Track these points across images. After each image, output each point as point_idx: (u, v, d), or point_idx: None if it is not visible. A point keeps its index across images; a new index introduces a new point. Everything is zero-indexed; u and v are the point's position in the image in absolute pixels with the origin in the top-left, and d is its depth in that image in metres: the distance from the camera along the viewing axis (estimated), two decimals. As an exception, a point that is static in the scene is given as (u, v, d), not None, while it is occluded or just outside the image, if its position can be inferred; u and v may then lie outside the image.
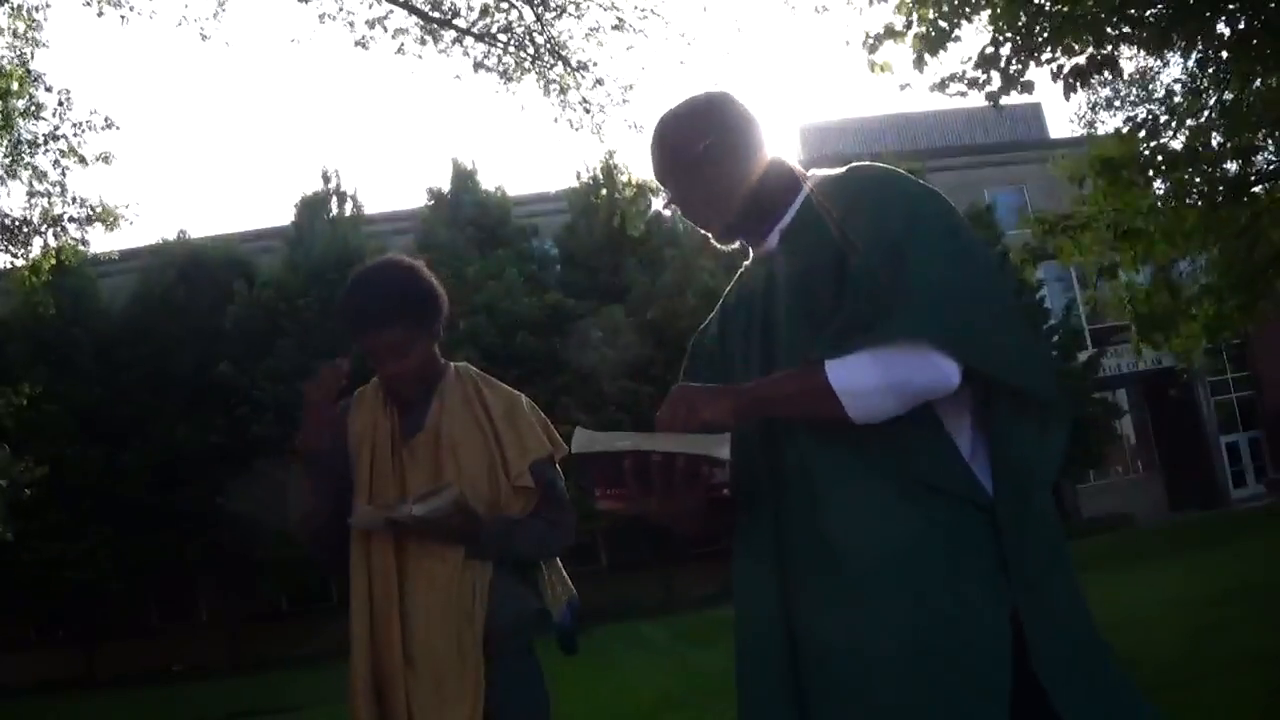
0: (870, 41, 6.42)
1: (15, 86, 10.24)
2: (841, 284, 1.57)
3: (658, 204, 1.73)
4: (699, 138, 1.73)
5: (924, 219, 1.58)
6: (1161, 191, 8.87)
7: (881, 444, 1.55)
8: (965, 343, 1.52)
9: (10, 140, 10.49)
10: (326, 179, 26.85)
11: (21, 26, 10.07)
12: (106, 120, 10.79)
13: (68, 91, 10.97)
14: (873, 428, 1.54)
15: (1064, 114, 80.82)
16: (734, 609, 1.72)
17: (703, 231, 1.81)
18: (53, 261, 11.20)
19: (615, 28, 9.73)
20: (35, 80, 10.47)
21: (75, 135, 10.68)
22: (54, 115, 10.73)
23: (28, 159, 10.62)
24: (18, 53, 10.26)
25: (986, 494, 1.55)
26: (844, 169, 1.73)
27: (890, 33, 6.41)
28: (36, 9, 10.19)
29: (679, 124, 1.77)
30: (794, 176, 1.77)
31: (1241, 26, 7.02)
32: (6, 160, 10.64)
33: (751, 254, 1.83)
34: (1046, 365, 1.71)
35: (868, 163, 1.74)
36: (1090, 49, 6.71)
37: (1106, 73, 6.68)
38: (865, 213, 1.59)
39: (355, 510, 2.41)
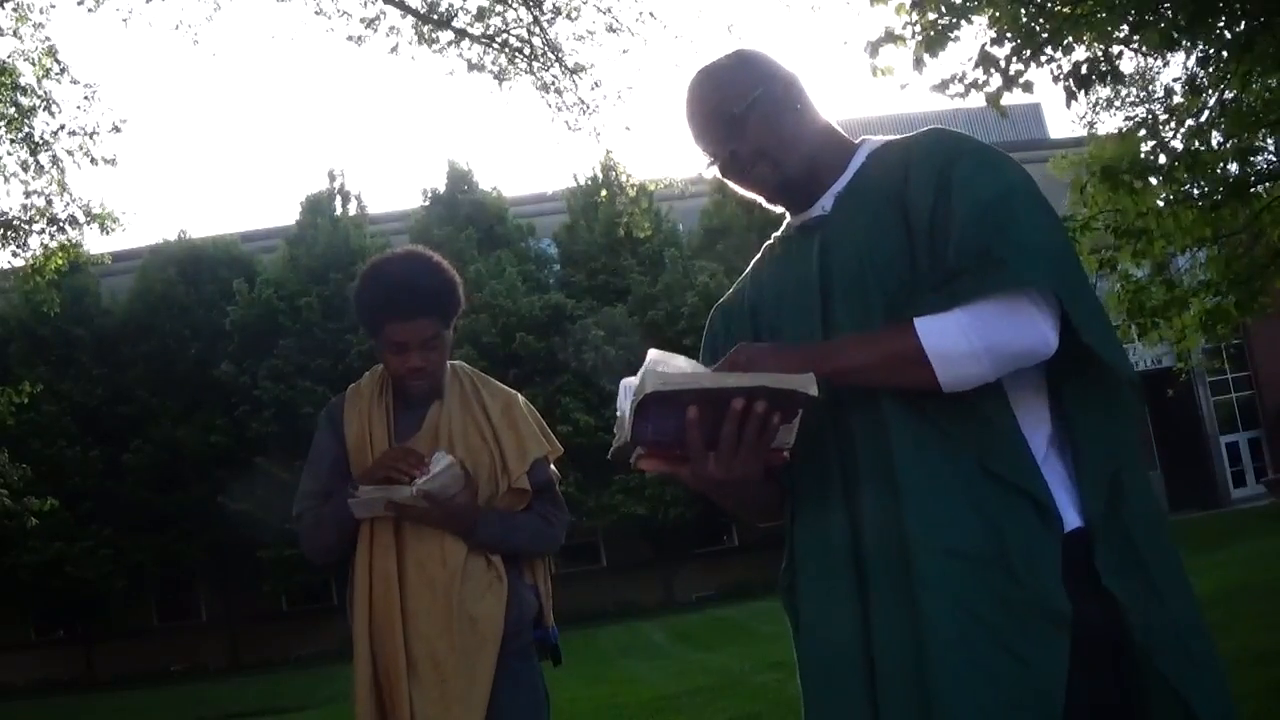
0: (871, 46, 6.43)
1: (34, 82, 10.16)
2: (913, 243, 1.50)
3: (706, 170, 1.56)
4: (748, 88, 1.61)
5: (1023, 180, 1.53)
6: (1162, 194, 8.87)
7: (962, 433, 1.45)
8: (1072, 298, 1.45)
9: (22, 135, 10.41)
10: (332, 178, 26.94)
11: (29, 29, 10.03)
12: (114, 125, 10.73)
13: (93, 88, 11.01)
14: (953, 414, 1.45)
15: (1064, 114, 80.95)
16: (801, 616, 1.57)
17: (750, 195, 1.68)
18: (59, 263, 11.14)
19: (610, 30, 9.76)
20: (62, 72, 10.36)
21: (87, 135, 10.60)
22: (78, 109, 10.69)
23: (44, 153, 10.50)
24: (43, 43, 10.19)
25: (1052, 499, 1.45)
26: (922, 130, 1.63)
27: (890, 37, 6.41)
28: (41, 9, 10.18)
29: (723, 77, 1.64)
30: (846, 140, 1.69)
31: (1242, 27, 7.02)
32: (19, 154, 10.56)
33: (789, 223, 1.71)
34: (1120, 343, 1.59)
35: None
36: (1091, 48, 6.70)
37: (1108, 81, 6.67)
38: (967, 166, 1.51)
39: (359, 494, 2.34)
